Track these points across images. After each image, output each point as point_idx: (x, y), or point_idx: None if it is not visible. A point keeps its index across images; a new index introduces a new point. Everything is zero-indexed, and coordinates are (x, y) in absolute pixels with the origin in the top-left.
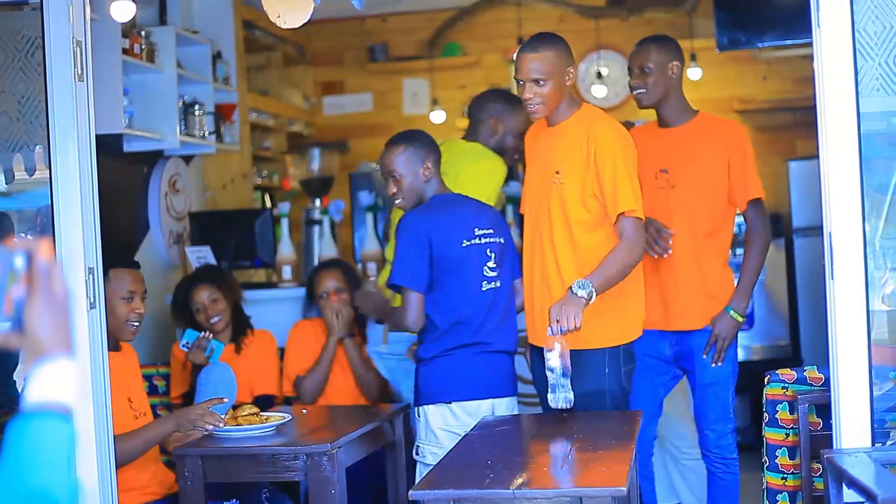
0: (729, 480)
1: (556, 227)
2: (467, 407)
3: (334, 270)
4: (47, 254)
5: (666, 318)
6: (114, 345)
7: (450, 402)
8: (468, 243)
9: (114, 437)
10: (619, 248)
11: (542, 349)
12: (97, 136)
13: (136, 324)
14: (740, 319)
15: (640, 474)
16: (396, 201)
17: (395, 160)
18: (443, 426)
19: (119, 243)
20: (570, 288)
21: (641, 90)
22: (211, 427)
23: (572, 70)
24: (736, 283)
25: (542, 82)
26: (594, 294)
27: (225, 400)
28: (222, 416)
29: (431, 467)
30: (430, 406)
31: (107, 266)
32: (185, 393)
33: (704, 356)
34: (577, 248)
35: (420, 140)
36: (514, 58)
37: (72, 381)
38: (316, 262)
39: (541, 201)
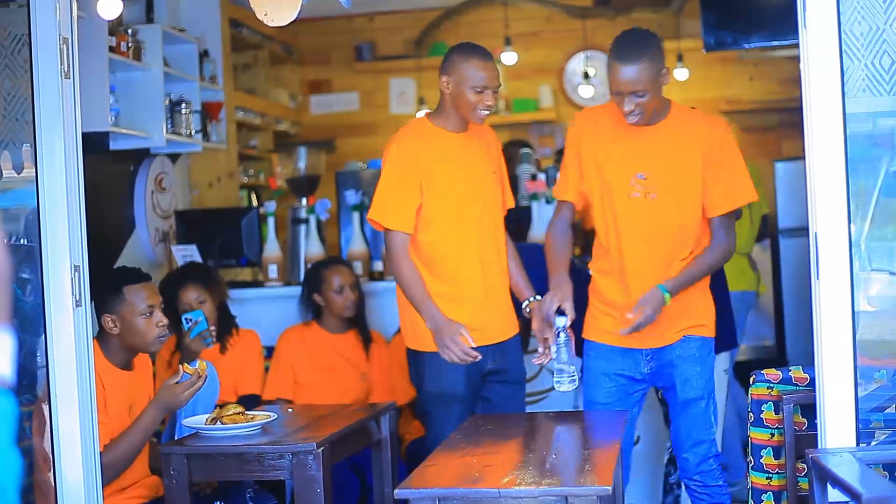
0: None
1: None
2: None
3: (342, 268)
4: None
5: (638, 336)
6: (126, 363)
7: None
8: None
9: (111, 443)
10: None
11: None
12: (83, 134)
13: (164, 336)
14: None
15: None
16: None
17: None
18: None
19: (105, 241)
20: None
21: (636, 116)
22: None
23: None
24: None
25: None
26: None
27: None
28: (208, 415)
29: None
30: None
31: (118, 284)
32: None
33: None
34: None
35: None
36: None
37: (8, 354)
38: (303, 260)
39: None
